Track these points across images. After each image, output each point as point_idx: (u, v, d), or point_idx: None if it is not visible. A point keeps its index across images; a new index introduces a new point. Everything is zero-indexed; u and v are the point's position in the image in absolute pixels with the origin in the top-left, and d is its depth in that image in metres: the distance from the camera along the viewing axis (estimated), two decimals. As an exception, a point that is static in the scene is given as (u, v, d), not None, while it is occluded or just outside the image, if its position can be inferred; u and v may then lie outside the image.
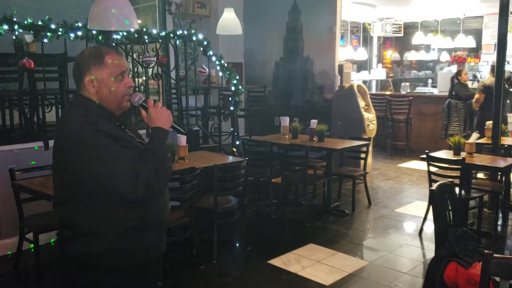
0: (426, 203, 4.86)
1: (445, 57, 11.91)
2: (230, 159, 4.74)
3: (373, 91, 10.99)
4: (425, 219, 4.81)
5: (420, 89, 10.07)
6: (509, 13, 5.28)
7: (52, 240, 3.75)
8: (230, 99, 5.99)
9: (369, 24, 11.60)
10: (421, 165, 6.33)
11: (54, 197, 1.95)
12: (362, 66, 11.59)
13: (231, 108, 5.95)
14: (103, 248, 1.81)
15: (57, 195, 1.92)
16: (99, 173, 1.74)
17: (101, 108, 1.88)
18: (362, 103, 7.14)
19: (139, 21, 4.57)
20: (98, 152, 1.74)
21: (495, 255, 1.97)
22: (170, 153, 4.14)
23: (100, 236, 1.81)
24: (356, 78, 9.85)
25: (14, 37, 4.36)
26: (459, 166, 4.49)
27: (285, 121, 5.85)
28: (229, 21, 6.22)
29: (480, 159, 4.71)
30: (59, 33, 4.41)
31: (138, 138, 2.01)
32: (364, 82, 10.03)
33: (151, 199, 1.86)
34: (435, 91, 9.59)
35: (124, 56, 2.02)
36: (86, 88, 1.88)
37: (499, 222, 5.03)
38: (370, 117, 7.18)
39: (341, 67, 7.36)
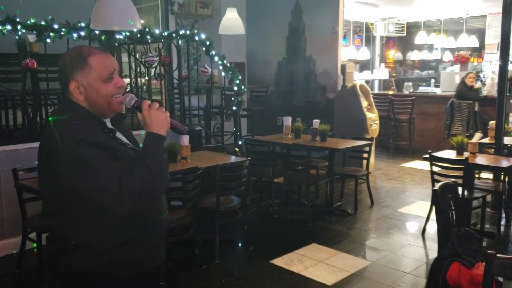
0: (428, 203, 4.84)
1: (448, 56, 11.89)
2: (233, 159, 4.74)
3: (376, 91, 10.99)
4: (427, 219, 4.80)
5: (422, 89, 10.04)
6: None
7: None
8: (232, 99, 5.99)
9: (372, 24, 11.59)
10: (424, 165, 6.33)
11: (43, 208, 1.83)
12: (364, 66, 11.58)
13: (234, 108, 5.94)
14: (94, 262, 1.69)
15: (46, 206, 1.81)
16: (86, 188, 1.61)
17: (90, 115, 1.73)
18: (364, 103, 7.13)
19: (142, 21, 4.58)
20: (84, 166, 1.60)
21: (498, 255, 1.96)
22: (173, 154, 4.17)
23: (91, 249, 1.69)
24: (359, 78, 9.85)
25: (17, 37, 4.37)
26: (462, 166, 4.48)
27: (288, 121, 5.84)
28: (232, 21, 6.22)
29: (483, 159, 4.70)
30: (62, 33, 4.43)
31: (133, 143, 1.86)
32: (367, 82, 10.03)
33: (141, 213, 1.70)
34: (438, 91, 9.57)
35: (109, 53, 1.81)
36: (73, 95, 1.73)
37: (502, 222, 5.02)
38: (372, 117, 7.17)
39: (343, 67, 7.36)
